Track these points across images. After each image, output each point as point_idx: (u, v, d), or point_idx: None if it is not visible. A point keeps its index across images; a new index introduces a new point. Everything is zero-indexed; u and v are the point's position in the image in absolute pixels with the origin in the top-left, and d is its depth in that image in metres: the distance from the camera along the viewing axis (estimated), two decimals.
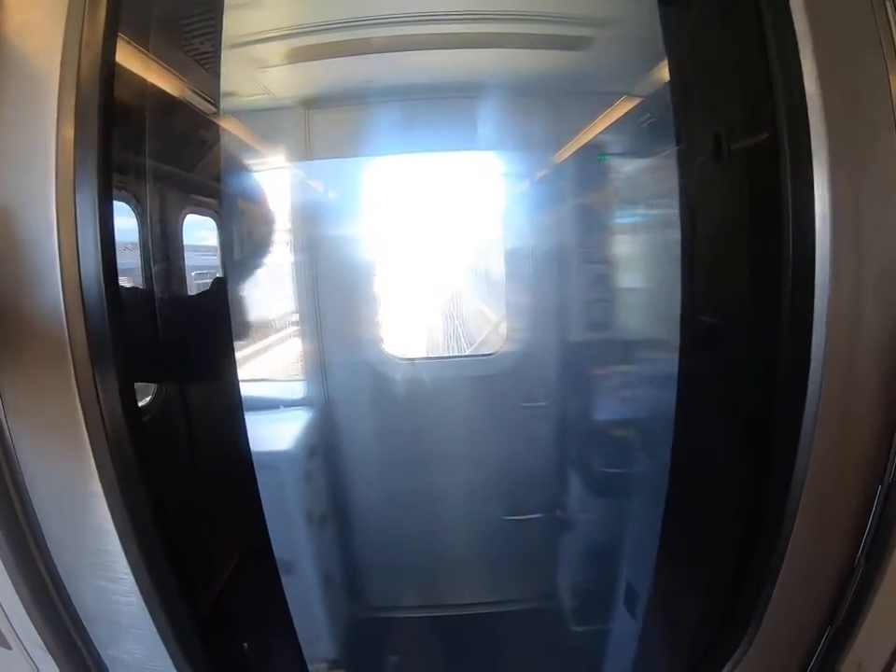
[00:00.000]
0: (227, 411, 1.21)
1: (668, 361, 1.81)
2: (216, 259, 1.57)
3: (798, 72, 0.87)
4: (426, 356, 2.64)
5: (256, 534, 1.24)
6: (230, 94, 1.79)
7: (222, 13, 1.20)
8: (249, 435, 1.20)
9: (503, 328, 2.47)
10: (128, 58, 0.97)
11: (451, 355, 2.78)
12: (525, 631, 2.14)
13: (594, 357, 2.28)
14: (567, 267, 2.27)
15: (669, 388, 1.73)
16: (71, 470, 0.90)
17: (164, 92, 1.15)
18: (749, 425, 1.04)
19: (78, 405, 0.87)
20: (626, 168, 2.18)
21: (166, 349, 1.08)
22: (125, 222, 1.06)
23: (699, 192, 1.12)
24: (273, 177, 2.21)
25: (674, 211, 1.72)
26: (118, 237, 0.92)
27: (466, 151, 2.29)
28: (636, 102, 1.92)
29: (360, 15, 1.74)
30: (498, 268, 2.41)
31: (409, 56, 1.95)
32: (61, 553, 0.97)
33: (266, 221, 2.04)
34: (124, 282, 0.97)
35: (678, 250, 1.61)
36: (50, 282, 0.85)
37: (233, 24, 1.40)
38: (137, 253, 1.15)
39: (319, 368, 2.31)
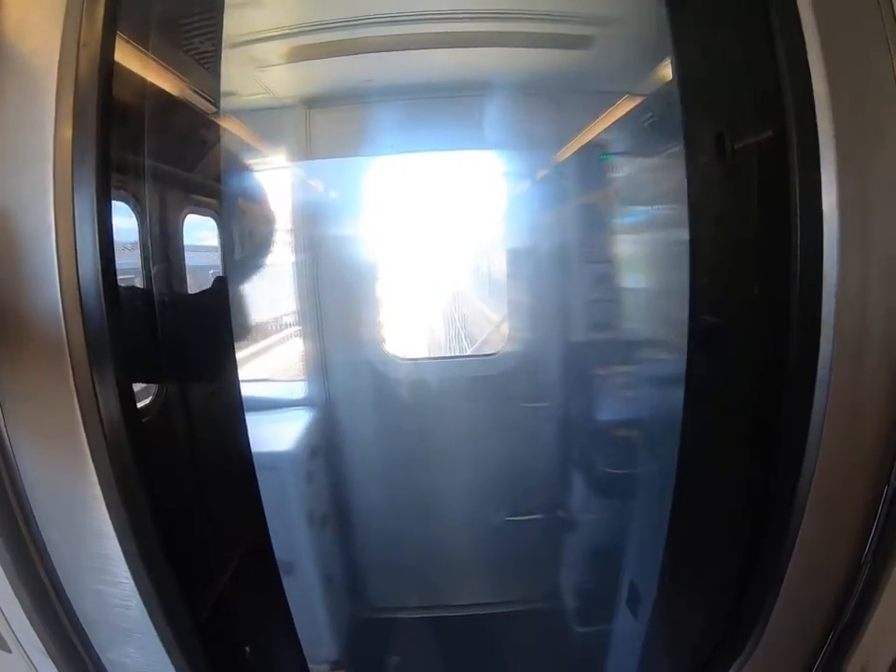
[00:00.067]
0: (228, 411, 1.20)
1: (671, 361, 1.81)
2: (216, 259, 1.56)
3: (806, 71, 0.87)
4: (427, 356, 2.63)
5: (257, 536, 1.23)
6: (230, 94, 1.78)
7: (223, 12, 1.20)
8: (250, 435, 1.20)
9: (505, 327, 2.47)
10: (127, 57, 0.96)
11: (452, 355, 2.78)
12: (527, 632, 2.14)
13: (596, 357, 2.28)
14: (569, 267, 2.26)
15: (672, 388, 1.72)
16: (70, 473, 0.89)
17: (164, 92, 1.14)
18: (757, 424, 1.03)
19: (77, 407, 0.86)
20: (629, 167, 2.17)
21: (166, 350, 1.08)
22: (124, 222, 1.05)
23: (706, 191, 1.11)
24: (274, 177, 2.21)
25: (676, 211, 1.72)
26: (116, 237, 0.91)
27: (467, 151, 2.29)
28: (639, 101, 1.91)
29: (361, 14, 1.74)
30: (500, 267, 2.41)
31: (410, 55, 1.95)
32: (60, 556, 0.96)
33: (267, 221, 2.04)
34: (123, 282, 0.96)
35: (680, 250, 1.61)
36: (48, 283, 0.84)
37: (234, 23, 1.39)
38: (136, 253, 1.14)
39: (320, 368, 2.31)
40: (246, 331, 1.83)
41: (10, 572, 0.92)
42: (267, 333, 2.27)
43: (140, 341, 1.03)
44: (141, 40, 1.01)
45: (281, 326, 2.33)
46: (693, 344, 1.14)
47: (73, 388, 0.86)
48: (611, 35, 1.85)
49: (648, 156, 1.97)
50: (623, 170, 2.19)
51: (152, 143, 1.06)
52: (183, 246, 1.34)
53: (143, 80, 1.04)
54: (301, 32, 1.79)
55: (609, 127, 2.06)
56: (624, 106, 1.98)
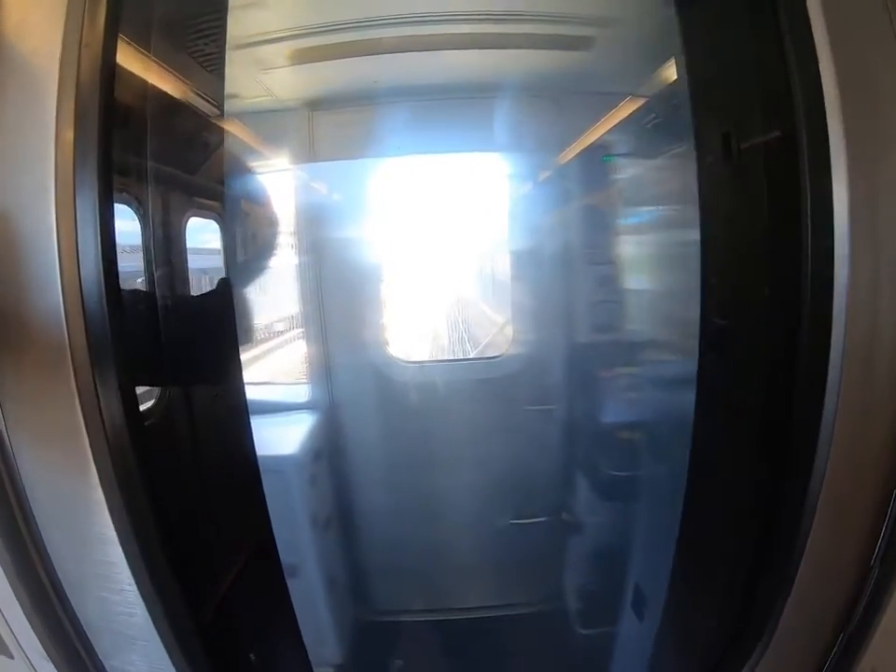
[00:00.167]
0: (232, 414, 1.19)
1: (676, 363, 1.80)
2: (219, 262, 1.56)
3: (816, 72, 0.87)
4: (431, 358, 2.63)
5: (261, 541, 1.22)
6: (233, 96, 1.78)
7: (226, 13, 1.19)
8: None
9: (509, 330, 2.47)
10: (129, 58, 0.96)
11: (456, 357, 2.77)
12: (532, 635, 2.13)
13: (600, 359, 2.27)
14: (572, 268, 2.26)
15: (678, 390, 1.72)
16: (71, 477, 0.89)
17: (166, 94, 1.13)
18: (768, 425, 1.02)
19: (79, 410, 0.85)
20: (633, 169, 2.17)
21: (169, 353, 1.07)
22: (126, 225, 1.04)
23: (717, 192, 1.11)
24: (277, 180, 2.21)
25: (681, 212, 1.72)
26: (118, 239, 0.90)
27: (471, 153, 2.28)
28: (644, 102, 1.90)
29: (364, 16, 1.74)
30: (504, 270, 2.40)
31: (413, 57, 1.94)
32: (63, 562, 0.95)
33: (270, 224, 2.04)
34: (125, 285, 0.95)
35: (686, 251, 1.60)
36: (50, 285, 0.83)
37: (236, 25, 1.39)
38: (138, 256, 1.13)
39: (324, 371, 2.31)
40: (250, 334, 1.83)
41: (12, 577, 0.92)
42: (270, 336, 2.27)
43: (142, 343, 1.02)
44: (143, 41, 1.00)
45: (284, 329, 2.33)
46: (705, 345, 1.13)
47: (75, 391, 0.85)
48: (616, 36, 1.84)
49: (652, 157, 1.97)
50: (627, 171, 2.18)
51: (154, 145, 1.06)
52: (186, 249, 1.33)
53: (145, 82, 1.03)
54: (304, 34, 1.79)
55: (613, 129, 2.06)
56: (629, 108, 1.98)
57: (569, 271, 2.26)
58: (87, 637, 1.00)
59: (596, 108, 2.08)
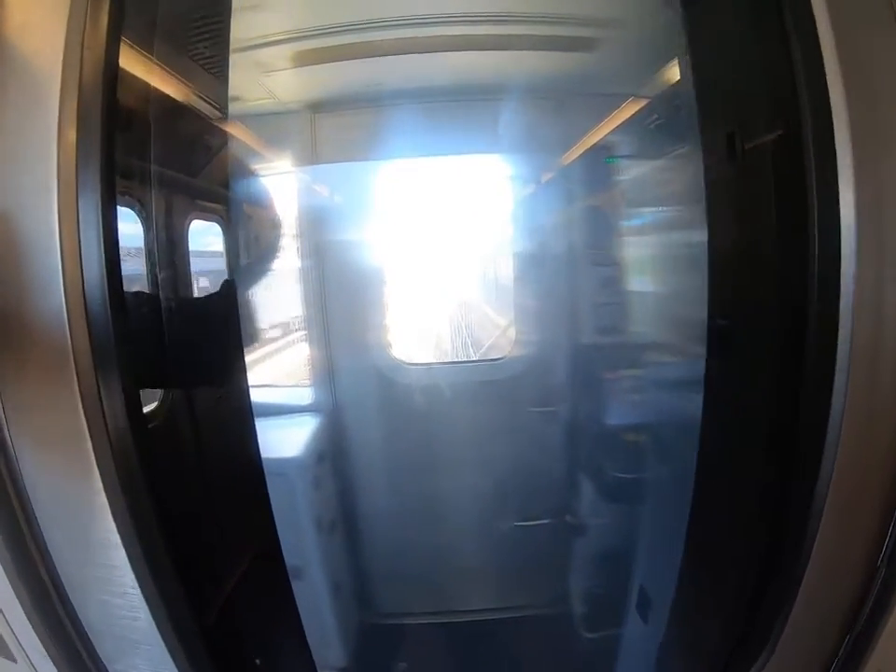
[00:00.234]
0: (236, 417, 1.19)
1: (680, 365, 1.80)
2: (222, 264, 1.56)
3: (821, 73, 0.87)
4: (434, 360, 2.62)
5: (267, 544, 1.22)
6: (235, 99, 1.78)
7: (230, 16, 1.19)
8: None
9: (512, 332, 2.46)
10: (131, 60, 0.95)
11: (459, 359, 2.77)
12: (536, 639, 2.12)
13: (603, 360, 2.27)
14: (576, 270, 2.25)
15: (682, 392, 1.72)
16: (74, 481, 0.88)
17: (169, 96, 1.13)
18: (776, 425, 1.02)
19: (82, 413, 0.85)
20: (636, 170, 2.17)
21: (172, 355, 1.06)
22: (128, 227, 1.04)
23: (724, 193, 1.11)
24: (280, 182, 2.21)
25: (684, 213, 1.71)
26: (121, 242, 0.90)
27: (474, 154, 2.28)
28: (646, 103, 1.90)
29: (366, 18, 1.74)
30: (507, 272, 2.40)
31: (415, 59, 1.94)
32: (65, 565, 0.95)
33: (273, 226, 2.04)
34: (128, 287, 0.95)
35: (689, 252, 1.60)
36: (52, 287, 0.83)
37: (238, 27, 1.39)
38: (141, 258, 1.13)
39: (327, 373, 2.30)
40: (253, 336, 1.83)
41: (14, 580, 0.92)
42: (273, 338, 2.27)
43: (146, 346, 1.02)
44: (146, 43, 1.00)
45: (287, 331, 2.33)
46: (712, 347, 1.13)
47: (77, 394, 0.85)
48: (618, 37, 1.84)
49: (655, 158, 1.96)
50: (630, 172, 2.18)
51: (156, 146, 1.05)
52: (188, 251, 1.33)
53: (148, 83, 1.03)
54: (306, 36, 1.78)
55: (615, 130, 2.06)
56: (632, 109, 1.98)
57: (572, 272, 2.26)
58: (89, 641, 1.00)
59: (599, 110, 2.08)
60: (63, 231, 0.83)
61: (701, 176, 1.16)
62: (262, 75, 1.94)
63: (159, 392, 1.26)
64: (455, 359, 2.79)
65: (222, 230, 1.53)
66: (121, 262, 0.89)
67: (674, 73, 1.38)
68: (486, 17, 1.74)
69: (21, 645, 0.98)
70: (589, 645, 2.04)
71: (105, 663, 1.01)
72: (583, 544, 2.22)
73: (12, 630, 0.97)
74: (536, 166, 2.29)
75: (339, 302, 2.30)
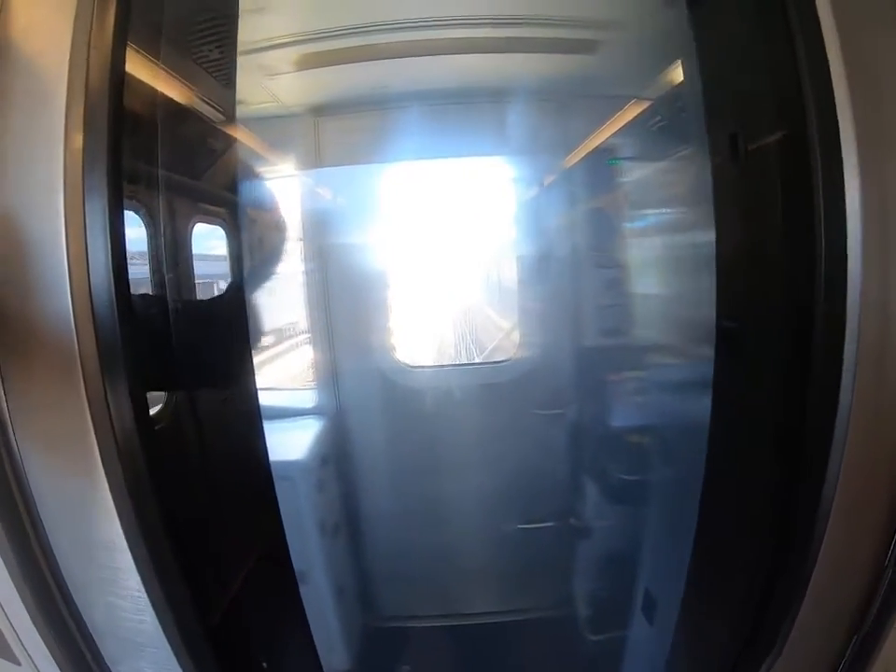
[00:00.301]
0: (244, 420, 1.19)
1: (685, 366, 1.80)
2: (227, 268, 1.56)
3: (826, 73, 0.87)
4: (438, 363, 2.62)
5: (274, 547, 1.22)
6: (239, 102, 1.78)
7: (237, 18, 1.19)
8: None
9: (515, 335, 2.46)
10: (138, 62, 0.95)
11: (464, 362, 2.76)
12: (541, 642, 2.11)
13: (608, 362, 2.26)
14: (579, 272, 2.25)
15: (687, 393, 1.72)
16: (80, 482, 0.88)
17: (176, 99, 1.13)
18: (783, 426, 1.02)
19: (88, 414, 0.85)
20: (639, 171, 2.17)
21: (180, 358, 1.06)
22: (133, 230, 1.04)
23: (730, 193, 1.11)
24: (285, 185, 2.21)
25: (688, 214, 1.71)
26: (127, 246, 0.90)
27: (477, 157, 2.28)
28: (650, 105, 1.90)
29: (369, 21, 1.74)
30: (511, 274, 2.40)
31: (418, 62, 1.94)
32: (70, 568, 0.95)
33: (277, 229, 2.03)
34: (135, 290, 0.95)
35: (694, 253, 1.60)
36: (58, 288, 0.83)
37: (242, 30, 1.39)
38: (147, 262, 1.13)
39: (331, 376, 2.30)
40: (257, 339, 1.83)
41: (19, 582, 0.91)
42: (277, 341, 2.26)
43: (153, 349, 1.01)
44: (152, 45, 1.00)
45: (291, 334, 2.33)
46: (719, 348, 1.13)
47: (84, 396, 0.84)
48: (621, 39, 1.84)
49: (661, 159, 1.96)
50: (635, 174, 2.18)
51: (162, 150, 1.05)
52: (192, 255, 1.33)
53: (155, 85, 1.03)
54: (309, 39, 1.79)
55: (618, 132, 2.06)
56: (635, 110, 1.98)
57: (577, 274, 2.26)
58: (94, 643, 1.00)
59: (601, 112, 2.09)
60: (69, 233, 0.83)
61: (706, 177, 1.16)
62: (265, 78, 1.94)
63: (161, 396, 1.26)
64: (459, 362, 2.78)
65: (227, 233, 1.53)
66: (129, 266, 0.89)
67: (680, 74, 1.38)
68: (489, 19, 1.74)
69: (24, 647, 0.98)
70: (594, 648, 2.03)
71: (109, 665, 1.01)
72: (588, 547, 2.21)
73: (16, 632, 0.97)
74: (540, 168, 2.29)
75: (343, 305, 2.30)
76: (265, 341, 2.07)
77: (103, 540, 0.90)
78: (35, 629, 0.95)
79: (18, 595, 0.92)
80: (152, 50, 1.00)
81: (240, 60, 1.41)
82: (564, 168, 2.24)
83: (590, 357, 2.27)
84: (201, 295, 1.27)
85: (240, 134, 1.57)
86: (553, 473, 2.31)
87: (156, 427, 1.07)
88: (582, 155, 2.19)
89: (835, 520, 0.93)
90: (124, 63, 0.89)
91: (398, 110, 2.15)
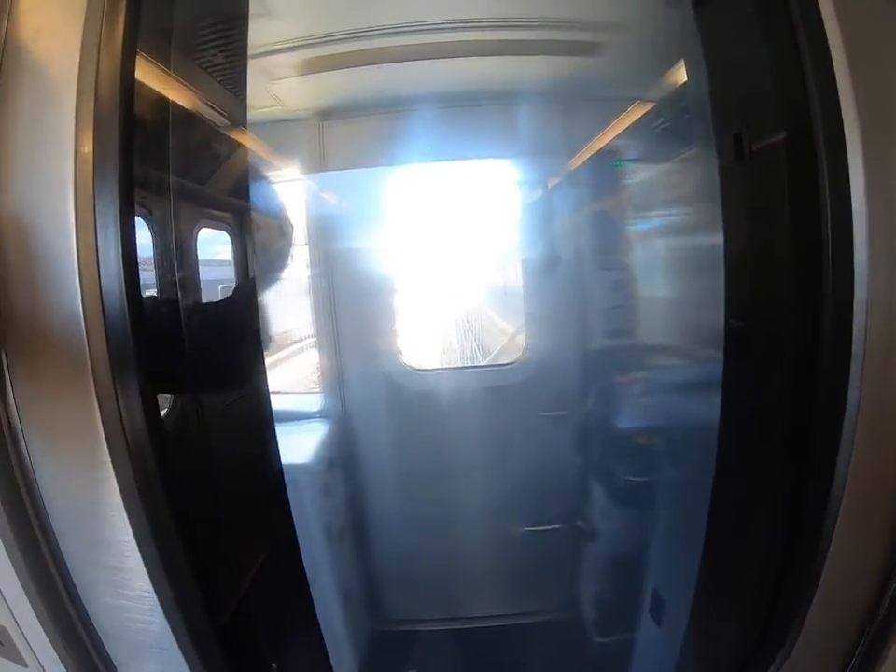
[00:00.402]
0: (255, 421, 1.19)
1: (691, 367, 1.79)
2: (239, 271, 1.56)
3: (830, 69, 0.87)
4: (444, 366, 2.62)
5: (285, 547, 1.22)
6: None
7: (246, 22, 1.19)
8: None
9: (520, 338, 2.46)
10: (148, 64, 0.96)
11: (470, 365, 2.76)
12: (548, 645, 2.10)
13: (614, 364, 2.26)
14: (585, 274, 2.25)
15: (693, 394, 1.71)
16: (90, 484, 0.88)
17: (186, 103, 1.13)
18: (793, 424, 1.02)
19: (98, 416, 0.85)
20: (644, 173, 2.17)
21: (192, 360, 1.06)
22: (143, 234, 1.04)
23: (738, 193, 1.11)
24: (291, 189, 2.22)
25: (694, 215, 1.71)
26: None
27: (482, 160, 2.29)
28: (653, 106, 1.91)
29: (373, 25, 1.74)
30: (516, 277, 2.40)
31: (422, 66, 1.95)
32: (78, 569, 0.95)
33: (284, 233, 2.04)
34: (145, 293, 0.95)
35: (698, 254, 1.60)
36: (68, 290, 0.83)
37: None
38: (157, 264, 1.13)
39: (337, 379, 2.31)
40: (264, 343, 1.83)
41: (27, 583, 0.91)
42: (284, 345, 2.27)
43: (163, 351, 1.01)
44: (163, 49, 1.00)
45: (297, 338, 2.33)
46: (728, 348, 1.13)
47: (94, 399, 0.85)
48: (624, 41, 1.85)
49: (667, 161, 1.96)
50: (638, 176, 2.18)
51: (172, 153, 1.05)
52: (197, 260, 1.33)
53: (165, 87, 1.03)
54: (314, 43, 1.80)
55: (622, 133, 2.06)
56: (639, 112, 1.98)
57: (582, 276, 2.26)
58: (102, 644, 1.00)
59: (606, 114, 2.09)
60: (79, 235, 0.83)
61: (711, 178, 1.16)
62: (270, 82, 1.95)
63: (167, 400, 1.26)
64: (466, 364, 2.78)
65: (235, 237, 1.54)
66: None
67: (684, 75, 1.38)
68: (492, 23, 1.75)
69: (31, 648, 0.98)
70: (603, 651, 2.02)
71: (116, 667, 1.01)
72: (596, 549, 2.21)
73: (23, 633, 0.97)
74: (545, 171, 2.29)
75: (348, 309, 2.30)
76: (272, 345, 2.08)
77: (111, 540, 0.90)
78: (42, 630, 0.94)
79: (25, 597, 0.92)
80: (162, 53, 1.00)
81: None
82: (569, 170, 2.24)
83: (596, 358, 2.27)
84: (211, 298, 1.27)
85: (247, 139, 1.58)
86: (559, 475, 2.30)
87: (167, 429, 1.07)
88: (587, 157, 2.19)
89: (844, 519, 0.93)
90: (134, 66, 0.89)
91: (402, 114, 2.16)
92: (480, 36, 1.79)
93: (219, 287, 1.35)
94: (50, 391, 0.87)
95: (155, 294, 1.06)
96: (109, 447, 0.86)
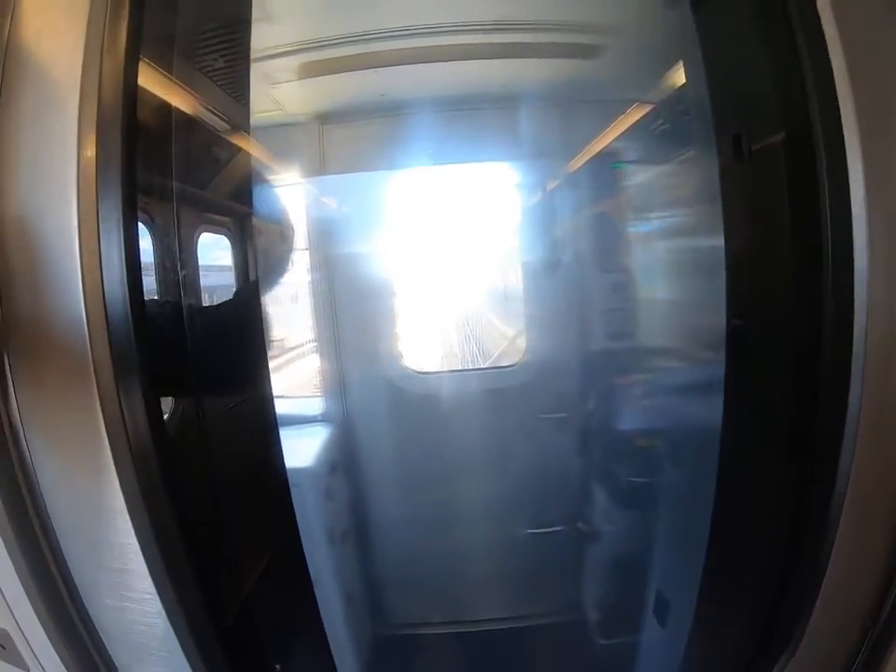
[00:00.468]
0: (261, 425, 1.19)
1: (692, 368, 1.80)
2: (240, 276, 1.56)
3: (829, 72, 0.88)
4: (445, 369, 2.62)
5: (289, 552, 1.22)
6: None
7: (249, 27, 1.20)
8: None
9: (521, 341, 2.46)
10: (151, 70, 0.96)
11: (471, 368, 2.77)
12: (553, 647, 2.10)
13: (614, 366, 2.26)
14: (586, 277, 2.26)
15: (694, 395, 1.71)
16: (92, 487, 0.88)
17: (191, 107, 1.13)
18: (795, 425, 1.02)
19: (101, 420, 0.85)
20: (643, 175, 2.17)
21: (195, 364, 1.06)
22: (145, 238, 1.04)
23: (738, 194, 1.11)
24: (293, 194, 2.22)
25: (693, 216, 1.72)
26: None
27: (483, 163, 2.29)
28: (652, 108, 1.91)
29: (372, 29, 1.75)
30: (516, 279, 2.40)
31: (422, 69, 1.96)
32: (80, 571, 0.94)
33: (286, 238, 2.04)
34: (149, 298, 0.95)
35: (697, 255, 1.60)
36: (71, 293, 0.83)
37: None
38: (160, 269, 1.13)
39: (339, 383, 2.31)
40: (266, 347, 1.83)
41: (29, 587, 0.91)
42: (285, 349, 2.27)
43: (167, 356, 1.01)
44: (165, 53, 1.00)
45: (298, 342, 2.33)
46: (730, 349, 1.13)
47: (97, 402, 0.84)
48: (624, 44, 1.85)
49: (666, 162, 1.97)
50: (638, 177, 2.19)
51: (174, 158, 1.06)
52: (198, 265, 1.33)
53: (167, 93, 1.03)
54: (314, 47, 1.80)
55: (621, 135, 2.07)
56: (638, 114, 1.98)
57: (582, 279, 2.26)
58: (104, 648, 0.99)
59: (606, 116, 2.09)
60: (82, 239, 0.83)
61: (711, 179, 1.16)
62: (270, 86, 1.95)
63: (168, 404, 1.26)
64: (466, 367, 2.78)
65: (237, 241, 1.54)
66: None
67: (683, 76, 1.39)
68: (491, 26, 1.75)
69: (33, 652, 0.97)
70: (606, 652, 2.02)
71: (118, 669, 1.01)
72: (598, 551, 2.21)
73: (25, 637, 0.96)
74: (544, 174, 2.30)
75: (349, 312, 2.30)
76: (273, 348, 2.08)
77: (114, 543, 0.90)
78: (44, 633, 0.94)
79: (27, 598, 0.92)
80: (165, 57, 1.00)
81: None
82: (568, 173, 2.25)
83: (596, 360, 2.27)
84: (215, 302, 1.28)
85: (248, 143, 1.58)
86: (561, 477, 2.30)
87: (170, 432, 1.07)
88: (587, 160, 2.19)
89: (846, 519, 0.93)
90: (137, 70, 0.89)
91: (401, 117, 2.16)
92: (478, 40, 1.80)
93: (221, 291, 1.36)
94: (53, 394, 0.87)
95: (158, 298, 1.06)
96: (112, 450, 0.85)
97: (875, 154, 0.86)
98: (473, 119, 2.15)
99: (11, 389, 0.86)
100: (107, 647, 0.99)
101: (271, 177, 2.10)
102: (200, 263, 1.33)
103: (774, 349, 1.07)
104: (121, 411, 0.85)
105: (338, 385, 2.32)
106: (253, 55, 1.69)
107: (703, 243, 1.48)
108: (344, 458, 2.30)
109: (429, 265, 2.39)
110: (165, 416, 1.19)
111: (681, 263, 1.89)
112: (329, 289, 2.30)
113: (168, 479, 0.91)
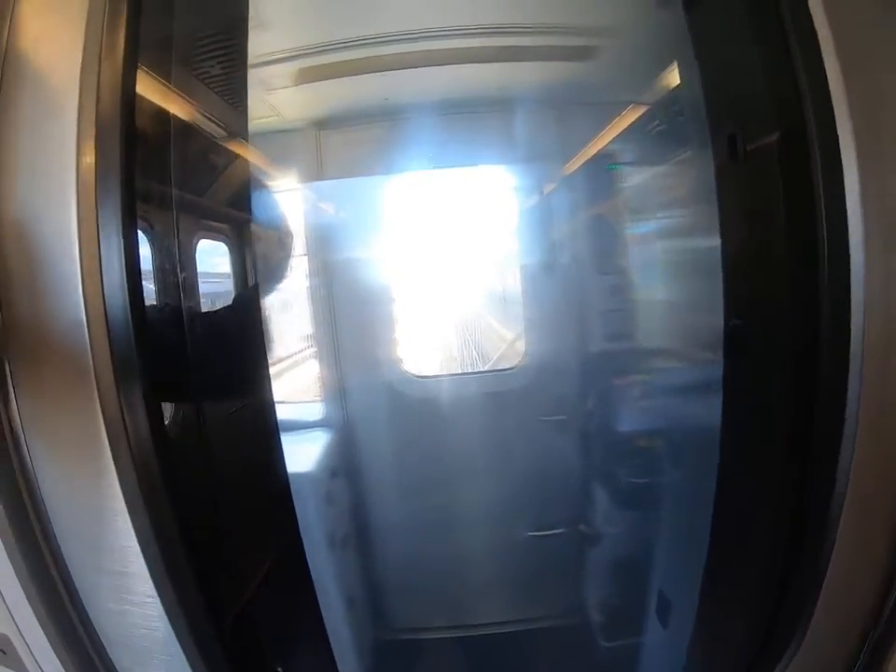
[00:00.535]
0: (261, 430, 1.19)
1: (691, 370, 1.80)
2: (239, 282, 1.56)
3: (822, 72, 0.88)
4: (445, 373, 2.62)
5: (291, 556, 1.22)
6: None
7: (246, 33, 1.20)
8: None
9: (520, 344, 2.46)
10: (149, 75, 0.96)
11: (470, 371, 2.76)
12: (555, 650, 2.09)
13: (613, 368, 2.26)
14: (584, 279, 2.26)
15: (693, 396, 1.71)
16: (93, 490, 0.88)
17: (189, 113, 1.14)
18: (794, 424, 1.02)
19: (102, 424, 0.85)
20: (639, 176, 2.18)
21: (194, 369, 1.06)
22: (145, 244, 1.05)
23: (734, 194, 1.11)
24: (291, 199, 2.22)
25: (690, 217, 1.72)
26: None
27: (480, 166, 2.30)
28: (648, 109, 1.92)
29: (368, 34, 1.75)
30: (514, 282, 2.40)
31: (418, 73, 1.96)
32: (81, 575, 0.95)
33: (284, 244, 2.04)
34: (149, 303, 0.96)
35: (695, 256, 1.60)
36: (70, 297, 0.83)
37: None
38: (159, 274, 1.13)
39: (338, 388, 2.31)
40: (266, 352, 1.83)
41: (29, 590, 0.91)
42: (284, 355, 2.27)
43: (168, 360, 1.02)
44: (163, 59, 1.01)
45: (298, 347, 2.33)
46: (728, 349, 1.13)
47: (98, 407, 0.85)
48: (619, 45, 1.86)
49: (662, 164, 1.97)
50: (635, 179, 2.19)
51: (173, 165, 1.06)
52: (196, 271, 1.33)
53: (165, 99, 1.04)
54: (310, 53, 1.81)
55: (617, 137, 2.07)
56: (633, 115, 1.99)
57: (580, 281, 2.26)
58: (105, 651, 0.99)
59: (601, 118, 2.10)
60: (82, 244, 0.83)
61: (706, 180, 1.16)
62: (266, 92, 1.96)
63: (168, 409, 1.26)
64: (466, 371, 2.78)
65: (234, 247, 1.54)
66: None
67: (678, 77, 1.40)
68: (488, 29, 1.76)
69: (33, 656, 0.98)
70: (608, 655, 2.01)
71: None
72: (600, 553, 2.20)
73: (25, 641, 0.97)
74: (541, 176, 2.30)
75: (348, 317, 2.30)
76: (273, 354, 2.08)
77: (114, 546, 0.90)
78: (45, 637, 0.94)
79: (27, 601, 0.92)
80: (163, 64, 1.00)
81: None
82: (565, 175, 2.25)
83: (595, 362, 2.27)
84: (215, 308, 1.28)
85: (248, 149, 1.58)
86: (561, 480, 2.30)
87: (170, 437, 1.07)
88: (583, 161, 2.20)
89: (847, 520, 0.93)
90: (135, 75, 0.90)
91: (398, 122, 2.17)
92: (474, 43, 1.80)
93: (221, 297, 1.36)
94: (53, 398, 0.87)
95: (158, 303, 1.07)
96: (113, 454, 0.86)
97: (870, 153, 0.87)
98: (470, 122, 2.16)
99: (12, 393, 0.87)
100: (108, 650, 0.99)
101: (269, 183, 2.10)
102: (199, 270, 1.33)
103: (772, 349, 1.07)
104: (122, 415, 0.86)
105: (338, 390, 2.31)
106: (250, 61, 1.70)
107: (700, 243, 1.49)
108: (345, 463, 2.29)
109: (428, 269, 2.39)
110: (166, 421, 1.20)
111: (679, 264, 1.89)
112: (327, 294, 2.30)
113: (169, 483, 0.91)
